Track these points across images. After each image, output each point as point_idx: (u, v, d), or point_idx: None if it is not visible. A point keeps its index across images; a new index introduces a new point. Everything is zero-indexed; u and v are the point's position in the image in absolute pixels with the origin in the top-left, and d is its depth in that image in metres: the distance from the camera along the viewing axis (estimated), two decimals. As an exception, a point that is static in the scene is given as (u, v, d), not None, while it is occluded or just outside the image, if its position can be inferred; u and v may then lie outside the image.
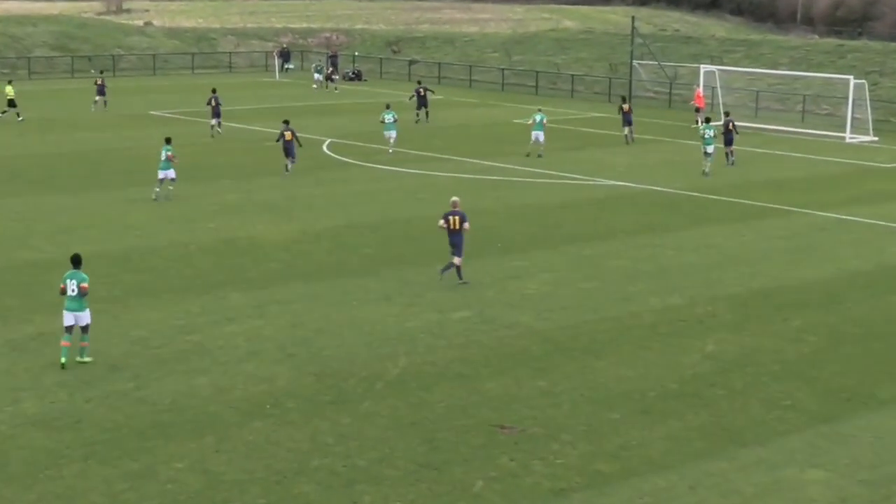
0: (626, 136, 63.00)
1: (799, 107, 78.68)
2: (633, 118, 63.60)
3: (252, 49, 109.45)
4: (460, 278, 33.74)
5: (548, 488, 20.50)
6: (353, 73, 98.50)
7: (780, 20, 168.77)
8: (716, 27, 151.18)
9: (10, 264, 35.13)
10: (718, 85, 76.29)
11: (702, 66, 78.63)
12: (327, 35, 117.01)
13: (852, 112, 68.33)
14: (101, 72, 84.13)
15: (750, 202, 46.95)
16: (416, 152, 57.97)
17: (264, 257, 36.53)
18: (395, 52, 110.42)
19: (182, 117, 70.01)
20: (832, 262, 37.53)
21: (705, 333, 29.61)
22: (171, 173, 44.69)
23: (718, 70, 78.37)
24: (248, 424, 23.04)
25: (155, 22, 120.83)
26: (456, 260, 33.63)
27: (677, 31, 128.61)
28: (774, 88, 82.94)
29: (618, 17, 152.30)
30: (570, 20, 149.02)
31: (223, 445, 22.00)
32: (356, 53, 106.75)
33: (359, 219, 42.26)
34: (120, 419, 23.17)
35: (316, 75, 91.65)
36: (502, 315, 30.78)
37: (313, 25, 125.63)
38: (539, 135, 57.13)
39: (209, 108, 63.74)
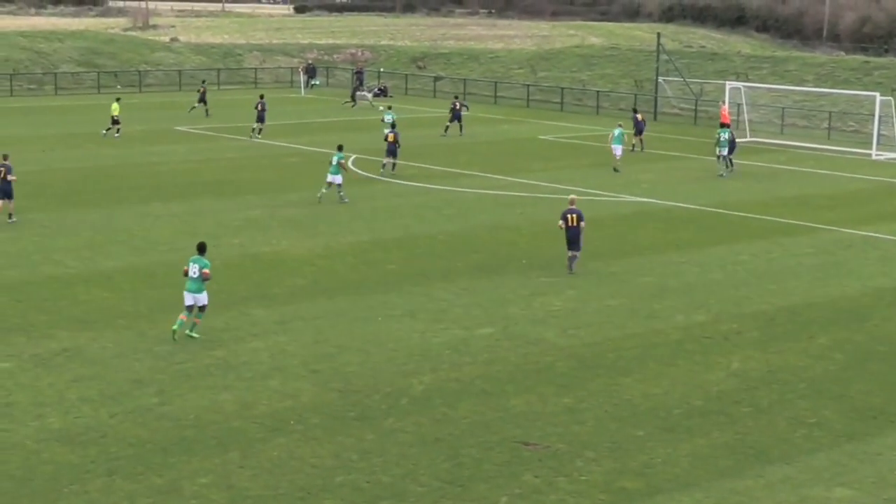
0: (632, 145, 63.19)
1: (825, 123, 78.46)
2: (646, 128, 64.48)
3: (277, 65, 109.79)
4: (571, 269, 36.82)
5: (572, 506, 20.42)
6: (379, 89, 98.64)
7: (805, 37, 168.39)
8: (741, 44, 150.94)
9: (35, 279, 35.22)
10: (744, 101, 76.18)
11: (727, 82, 78.55)
12: (353, 51, 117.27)
13: (879, 129, 68.15)
14: (203, 81, 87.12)
15: (776, 219, 46.80)
16: (441, 168, 58.00)
17: (288, 273, 36.55)
18: (420, 67, 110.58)
19: (207, 133, 70.14)
20: (859, 279, 37.36)
21: (731, 351, 29.48)
22: (339, 178, 47.44)
23: (744, 87, 78.28)
24: (273, 440, 23.02)
25: (181, 38, 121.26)
26: (570, 254, 36.85)
27: (703, 47, 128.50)
28: (800, 105, 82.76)
29: (643, 33, 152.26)
30: (595, 36, 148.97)
31: (247, 461, 21.98)
32: (381, 69, 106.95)
33: (383, 234, 42.26)
34: (144, 434, 23.18)
35: (367, 94, 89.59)
36: (527, 332, 30.71)
37: (338, 41, 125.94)
38: (617, 149, 58.45)
39: (255, 111, 67.85)
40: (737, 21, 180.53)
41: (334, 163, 47.38)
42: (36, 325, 30.42)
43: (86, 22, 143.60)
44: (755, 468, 22.17)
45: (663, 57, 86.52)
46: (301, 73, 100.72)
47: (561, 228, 37.04)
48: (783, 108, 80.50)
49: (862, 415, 25.17)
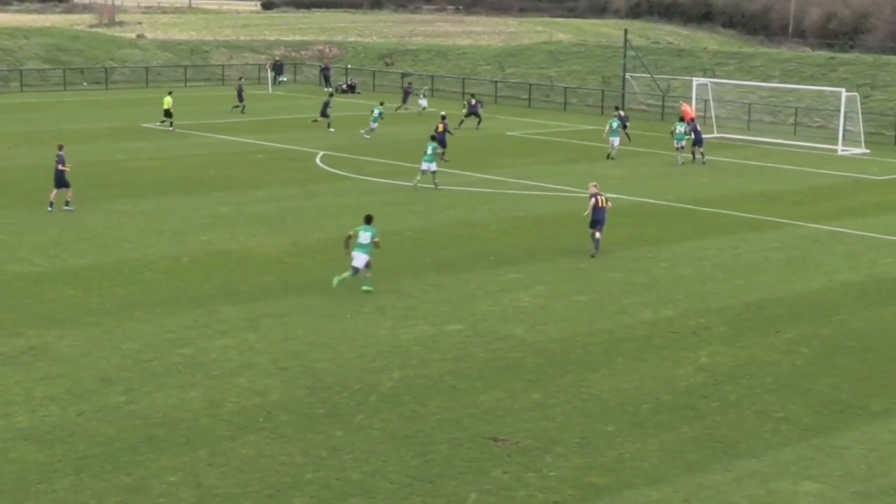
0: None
1: (791, 119, 78.82)
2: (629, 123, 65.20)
3: (245, 62, 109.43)
4: (596, 250, 38.75)
5: (541, 501, 20.45)
6: (347, 85, 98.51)
7: (771, 33, 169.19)
8: (708, 40, 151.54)
9: (1, 277, 35.01)
10: (711, 98, 76.42)
11: (694, 78, 78.83)
12: (320, 48, 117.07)
13: (844, 124, 68.49)
14: (241, 78, 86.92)
15: (743, 214, 46.98)
16: (409, 164, 57.93)
17: (257, 270, 36.46)
18: (388, 64, 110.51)
19: (175, 130, 69.84)
20: (825, 273, 37.55)
21: (699, 346, 29.59)
22: (433, 166, 50.09)
23: (711, 83, 78.53)
24: (241, 438, 22.97)
25: (147, 35, 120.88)
26: (598, 235, 38.78)
27: (670, 43, 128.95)
28: (766, 101, 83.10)
29: (611, 29, 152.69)
30: (563, 33, 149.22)
31: (216, 459, 21.92)
32: (349, 66, 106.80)
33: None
34: (112, 433, 23.09)
35: (422, 101, 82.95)
36: (496, 328, 30.74)
37: (306, 38, 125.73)
38: (615, 140, 61.06)
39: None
40: (703, 17, 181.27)
41: (429, 152, 49.90)
42: (2, 323, 30.24)
43: (51, 18, 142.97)
44: (723, 462, 22.25)
45: (630, 53, 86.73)
46: (269, 70, 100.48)
47: (587, 216, 39.21)
48: (750, 104, 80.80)
49: (829, 409, 25.30)
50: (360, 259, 33.80)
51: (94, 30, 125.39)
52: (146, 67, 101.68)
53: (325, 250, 39.13)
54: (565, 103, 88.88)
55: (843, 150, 66.99)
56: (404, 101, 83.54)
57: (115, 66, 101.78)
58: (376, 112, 67.62)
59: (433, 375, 26.93)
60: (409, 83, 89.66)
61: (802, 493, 20.97)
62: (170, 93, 72.07)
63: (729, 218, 46.36)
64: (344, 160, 58.83)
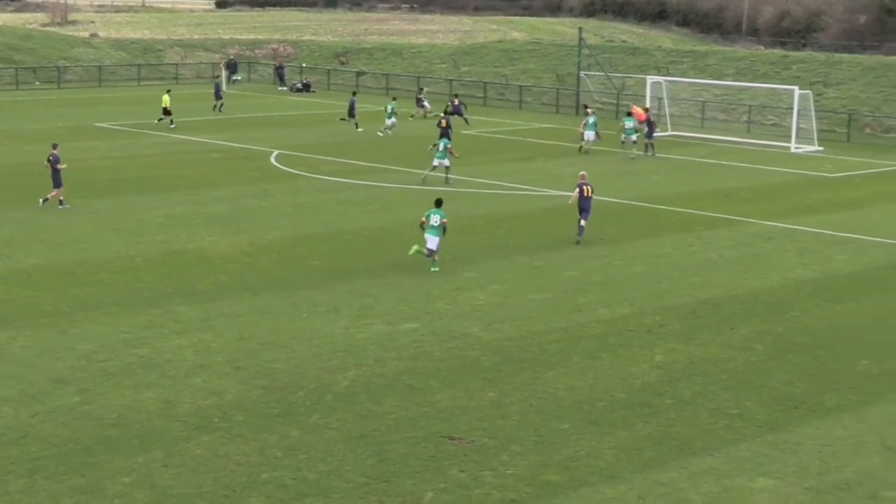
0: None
1: (745, 117, 79.27)
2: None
3: (199, 61, 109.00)
4: (580, 236, 40.99)
5: (497, 499, 20.48)
6: (302, 84, 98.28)
7: (725, 31, 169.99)
8: (662, 38, 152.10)
9: (-45, 278, 34.76)
10: (665, 96, 76.72)
11: (649, 77, 79.10)
12: (274, 46, 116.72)
13: (797, 122, 68.91)
14: (217, 76, 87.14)
15: (697, 212, 47.21)
16: (364, 163, 57.92)
17: (212, 270, 36.33)
18: (342, 63, 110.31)
19: (128, 129, 69.54)
20: (779, 271, 37.77)
21: (654, 343, 29.70)
22: (446, 162, 51.72)
23: (665, 81, 78.85)
24: (197, 438, 22.88)
25: (100, 33, 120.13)
26: (583, 222, 41.00)
27: (624, 42, 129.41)
28: (720, 99, 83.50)
29: (565, 28, 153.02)
30: (517, 31, 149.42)
31: (171, 460, 21.83)
32: (303, 65, 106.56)
33: (307, 230, 42.14)
34: (66, 434, 22.95)
35: (425, 104, 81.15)
36: (452, 326, 30.75)
37: (260, 37, 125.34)
38: (590, 134, 63.06)
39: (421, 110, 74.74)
40: (658, 15, 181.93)
41: (441, 148, 51.68)
42: (-45, 324, 30.03)
43: (3, 17, 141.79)
44: (678, 459, 22.35)
45: (585, 51, 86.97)
46: (222, 69, 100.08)
47: (573, 202, 41.36)
48: (704, 102, 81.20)
49: (783, 405, 25.45)
50: (432, 241, 36.17)
51: (47, 29, 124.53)
52: (99, 66, 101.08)
53: (280, 249, 39.05)
54: (520, 102, 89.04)
55: (796, 148, 67.41)
56: (421, 106, 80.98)
57: (67, 65, 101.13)
58: (389, 108, 68.41)
59: (389, 374, 26.91)
60: (422, 89, 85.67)
61: (757, 489, 21.09)
62: (168, 91, 73.58)
63: (684, 216, 46.57)
64: (299, 159, 58.71)
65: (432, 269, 36.31)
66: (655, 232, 43.33)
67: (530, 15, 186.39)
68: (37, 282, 34.46)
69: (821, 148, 67.66)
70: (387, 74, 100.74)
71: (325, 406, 24.79)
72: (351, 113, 71.14)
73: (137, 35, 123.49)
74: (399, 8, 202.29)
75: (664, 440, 23.33)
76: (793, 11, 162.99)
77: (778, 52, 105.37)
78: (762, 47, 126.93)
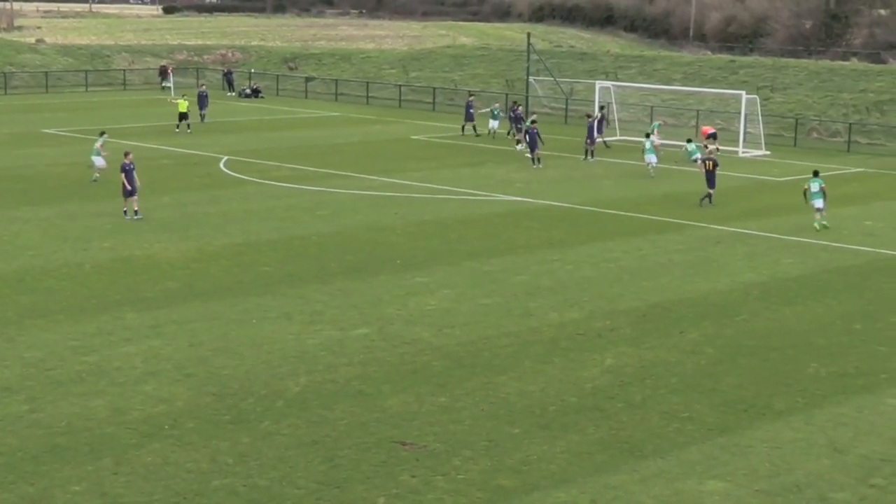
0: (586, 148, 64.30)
1: (693, 122, 79.63)
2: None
3: (147, 66, 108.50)
4: (710, 202, 49.58)
5: (450, 505, 20.48)
6: (251, 89, 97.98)
7: (672, 36, 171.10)
8: (610, 43, 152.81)
9: None
10: (614, 101, 77.01)
11: (597, 81, 79.38)
12: (223, 52, 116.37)
13: (745, 127, 69.34)
14: (202, 85, 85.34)
15: (647, 216, 47.40)
16: (314, 169, 57.81)
17: (161, 276, 36.14)
18: (291, 68, 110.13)
19: (76, 135, 69.09)
20: (728, 274, 37.97)
21: (605, 347, 29.78)
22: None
23: (613, 86, 79.15)
24: (147, 446, 22.74)
25: (47, 39, 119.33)
26: (712, 190, 49.73)
27: (572, 47, 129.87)
28: (668, 104, 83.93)
29: (513, 33, 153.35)
30: (466, 36, 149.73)
31: (121, 468, 21.68)
32: (252, 70, 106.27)
33: (257, 236, 42.00)
34: (14, 443, 22.75)
35: (492, 122, 72.54)
36: (403, 332, 30.72)
37: (209, 42, 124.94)
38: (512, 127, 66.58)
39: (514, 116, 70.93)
40: (605, 21, 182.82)
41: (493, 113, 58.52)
42: None
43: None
44: (629, 463, 22.41)
45: (534, 57, 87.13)
46: (169, 75, 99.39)
47: (700, 170, 51.09)
48: (652, 107, 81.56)
49: (733, 408, 25.58)
50: (819, 203, 44.48)
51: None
52: (46, 72, 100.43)
53: (230, 255, 38.89)
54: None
55: (743, 153, 67.80)
56: (469, 118, 73.57)
57: (13, 71, 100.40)
58: (493, 111, 69.79)
59: (340, 380, 26.86)
60: (471, 95, 77.87)
61: (708, 492, 21.18)
62: (183, 95, 75.07)
63: (633, 220, 46.75)
64: (248, 165, 58.53)
65: (823, 225, 44.84)
66: (605, 236, 43.47)
67: (479, 20, 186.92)
68: (-16, 289, 34.14)
69: (768, 152, 68.13)
70: (336, 80, 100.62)
71: (276, 412, 24.70)
72: (469, 116, 72.18)
73: (84, 41, 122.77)
74: (348, 13, 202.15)
75: (615, 444, 23.39)
76: (739, 17, 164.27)
77: (725, 57, 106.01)
78: (709, 52, 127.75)
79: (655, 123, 66.33)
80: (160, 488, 20.81)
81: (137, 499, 20.37)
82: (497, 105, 72.32)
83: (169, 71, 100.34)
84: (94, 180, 52.14)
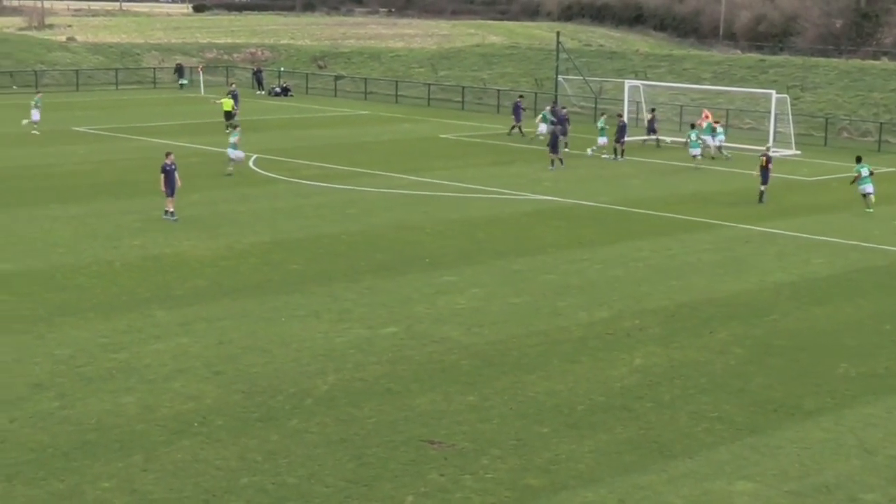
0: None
1: (722, 121, 79.34)
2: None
3: (176, 65, 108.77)
4: (761, 201, 50.29)
5: (478, 503, 20.46)
6: (281, 88, 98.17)
7: (702, 35, 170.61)
8: (639, 42, 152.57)
9: (-68, 283, 34.60)
10: (643, 100, 76.87)
11: (626, 80, 79.24)
12: (252, 50, 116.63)
13: (775, 126, 69.12)
14: (232, 83, 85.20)
15: (676, 216, 47.28)
16: (343, 167, 57.88)
17: (190, 274, 36.25)
18: (320, 67, 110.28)
19: (106, 133, 69.37)
20: (757, 274, 37.85)
21: (633, 347, 29.73)
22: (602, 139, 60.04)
23: (643, 85, 79.00)
24: (176, 443, 22.81)
25: (78, 37, 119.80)
26: (763, 187, 50.68)
27: (602, 46, 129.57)
28: (698, 103, 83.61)
29: (543, 32, 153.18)
30: (495, 35, 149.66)
31: (150, 464, 21.76)
32: (281, 69, 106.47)
33: (286, 235, 42.07)
34: (45, 439, 22.86)
35: (541, 126, 68.96)
36: (431, 330, 30.73)
37: (238, 41, 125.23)
38: (543, 126, 66.53)
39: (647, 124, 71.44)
40: (635, 20, 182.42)
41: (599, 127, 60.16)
42: (-68, 329, 29.89)
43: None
44: (658, 463, 22.36)
45: (563, 55, 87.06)
46: (200, 73, 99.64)
47: (756, 175, 51.34)
48: (681, 106, 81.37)
49: (762, 408, 25.50)
50: (869, 188, 47.62)
51: (24, 33, 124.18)
52: (76, 71, 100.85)
53: (259, 254, 38.98)
54: (498, 106, 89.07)
55: (773, 152, 67.47)
56: (517, 118, 72.41)
57: (45, 69, 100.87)
58: (599, 124, 65.26)
59: (369, 378, 26.88)
60: (521, 97, 77.19)
61: (737, 492, 21.12)
62: (228, 94, 74.81)
63: (662, 219, 46.64)
64: (277, 163, 58.65)
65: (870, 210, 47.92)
66: (634, 235, 43.38)
67: (508, 19, 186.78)
68: (14, 287, 34.32)
69: (798, 152, 67.88)
70: (365, 78, 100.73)
71: (304, 410, 24.74)
72: (517, 116, 71.49)
73: (115, 39, 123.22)
74: (377, 12, 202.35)
75: (644, 443, 23.34)
76: (769, 16, 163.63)
77: (755, 56, 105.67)
78: (739, 51, 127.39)
79: (708, 122, 66.24)
80: (189, 485, 20.88)
81: (167, 495, 20.44)
82: (548, 108, 70.78)
83: (199, 70, 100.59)
84: (229, 174, 53.89)
